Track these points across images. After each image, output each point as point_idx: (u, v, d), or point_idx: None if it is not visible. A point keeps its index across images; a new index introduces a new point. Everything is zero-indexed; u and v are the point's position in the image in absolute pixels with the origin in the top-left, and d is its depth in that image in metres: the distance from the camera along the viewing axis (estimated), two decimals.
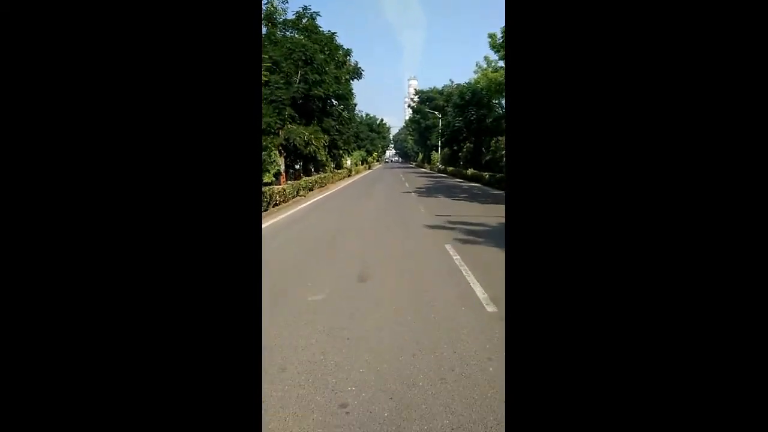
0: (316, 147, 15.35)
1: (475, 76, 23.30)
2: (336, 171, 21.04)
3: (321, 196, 12.78)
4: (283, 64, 14.22)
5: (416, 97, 42.56)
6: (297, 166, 18.22)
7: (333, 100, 18.27)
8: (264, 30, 15.26)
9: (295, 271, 4.12)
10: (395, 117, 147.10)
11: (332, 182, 18.42)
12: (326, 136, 16.84)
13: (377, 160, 57.02)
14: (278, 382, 2.07)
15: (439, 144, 34.54)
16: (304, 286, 3.62)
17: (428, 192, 14.15)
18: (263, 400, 1.88)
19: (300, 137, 14.37)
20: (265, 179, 12.70)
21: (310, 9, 16.17)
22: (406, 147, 70.61)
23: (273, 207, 9.37)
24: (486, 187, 16.10)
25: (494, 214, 8.30)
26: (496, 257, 4.65)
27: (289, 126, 14.46)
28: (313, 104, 15.84)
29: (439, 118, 33.89)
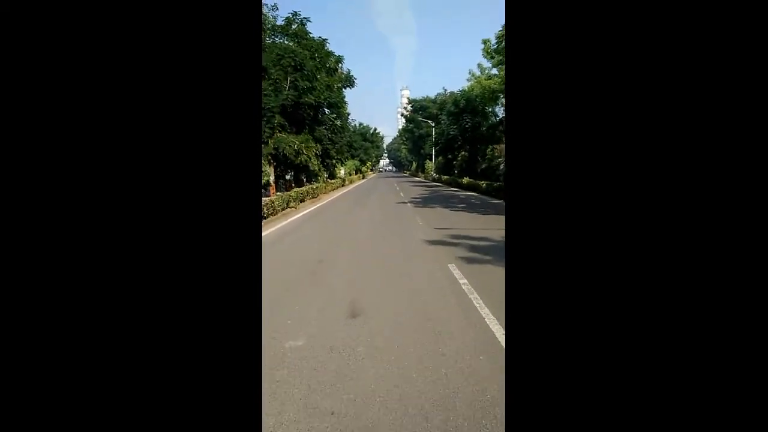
0: (308, 156, 14.73)
1: (468, 84, 23.16)
2: (329, 181, 20.39)
3: (312, 208, 12.10)
4: (272, 71, 13.63)
5: (409, 105, 42.42)
6: (288, 177, 17.56)
7: (325, 109, 17.71)
8: None
9: (273, 303, 3.43)
10: (388, 126, 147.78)
11: (325, 192, 17.76)
12: (318, 146, 16.24)
13: (371, 170, 56.59)
14: None
15: (433, 153, 34.15)
16: (282, 325, 2.94)
17: (424, 202, 13.53)
18: None
19: (290, 146, 13.73)
20: None
21: (300, 14, 15.69)
22: (400, 156, 70.39)
23: None
24: (484, 197, 15.53)
25: (497, 227, 7.69)
26: None
27: (279, 135, 13.83)
28: (304, 112, 15.23)
29: (433, 126, 33.54)
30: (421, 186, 24.77)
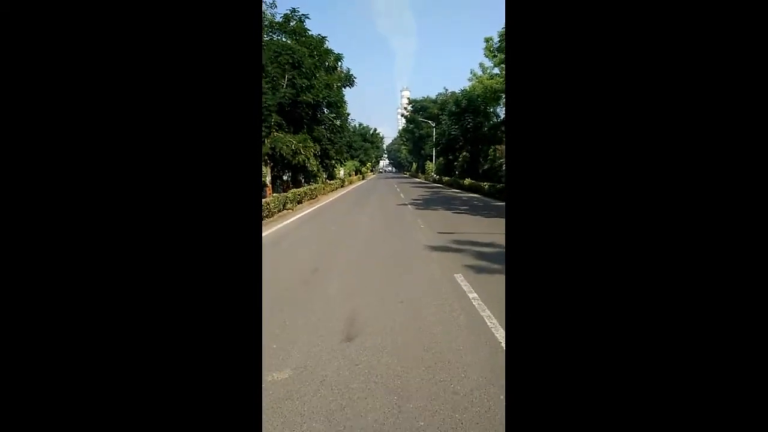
0: (306, 157, 14.28)
1: (470, 84, 22.74)
2: (328, 182, 19.94)
3: (310, 210, 11.69)
4: (269, 68, 13.17)
5: (410, 106, 42.00)
6: (285, 177, 17.13)
7: (324, 108, 17.27)
8: None
9: None
10: (389, 127, 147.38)
11: (324, 194, 17.34)
12: (317, 146, 15.80)
13: (371, 170, 56.20)
14: None
15: (434, 153, 33.71)
16: (266, 350, 2.53)
17: (426, 204, 13.11)
18: None
19: (287, 146, 13.29)
20: None
21: (298, 11, 15.26)
22: (400, 157, 69.94)
23: None
24: (486, 198, 15.12)
25: (503, 231, 7.22)
26: None
27: (276, 134, 13.39)
28: (302, 111, 14.76)
29: (433, 127, 33.11)
30: (422, 187, 24.34)
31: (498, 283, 4.03)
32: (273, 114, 13.08)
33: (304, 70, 13.93)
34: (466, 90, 24.22)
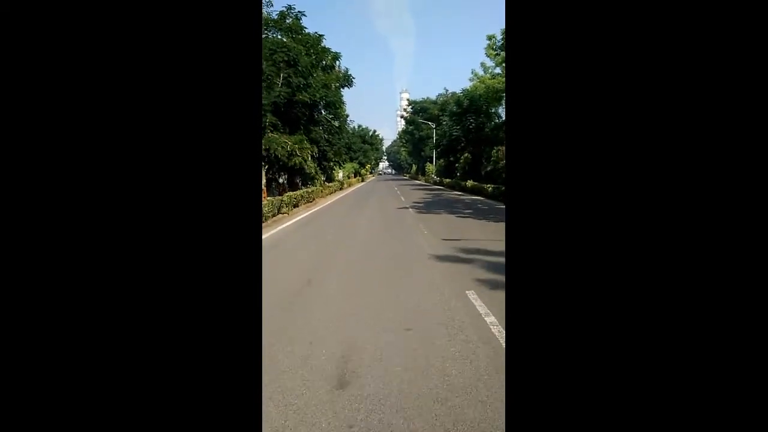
0: (303, 158, 13.73)
1: (471, 84, 22.25)
2: (326, 184, 19.39)
3: (307, 214, 11.14)
4: (264, 66, 12.68)
5: (409, 107, 41.53)
6: (282, 180, 16.57)
7: (321, 109, 16.74)
8: None
9: None
10: (388, 129, 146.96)
11: (322, 196, 16.77)
12: (314, 147, 15.26)
13: (370, 172, 55.67)
14: None
15: (434, 155, 33.17)
16: None
17: (427, 207, 12.56)
18: None
19: (282, 147, 12.73)
20: None
21: (294, 9, 14.74)
22: (400, 159, 69.45)
23: None
24: (490, 201, 14.57)
25: None
26: None
27: (270, 135, 12.83)
28: (299, 111, 14.21)
29: (434, 128, 32.60)
30: (422, 189, 23.80)
31: None
32: (268, 114, 12.54)
33: (300, 68, 13.41)
34: (467, 90, 23.73)
